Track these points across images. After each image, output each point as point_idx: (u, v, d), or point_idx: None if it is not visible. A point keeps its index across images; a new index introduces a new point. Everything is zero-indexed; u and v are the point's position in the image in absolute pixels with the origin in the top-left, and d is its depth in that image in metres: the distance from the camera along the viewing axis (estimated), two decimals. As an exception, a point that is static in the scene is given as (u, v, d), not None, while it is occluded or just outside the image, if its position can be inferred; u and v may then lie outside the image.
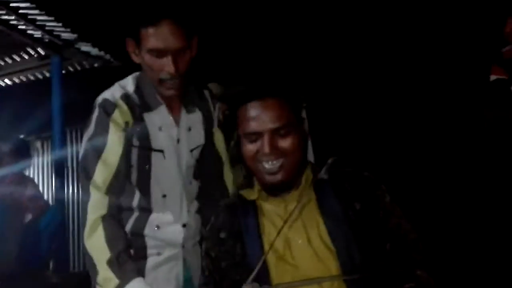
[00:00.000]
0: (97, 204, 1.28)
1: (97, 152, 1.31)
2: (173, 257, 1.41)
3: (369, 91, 3.94)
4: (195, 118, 1.49)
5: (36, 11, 3.40)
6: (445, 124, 3.69)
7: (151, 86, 1.39)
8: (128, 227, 1.38)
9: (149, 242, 1.40)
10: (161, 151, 1.40)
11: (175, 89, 1.34)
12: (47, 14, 3.45)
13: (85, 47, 4.10)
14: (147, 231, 1.39)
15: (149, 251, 1.39)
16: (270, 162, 1.07)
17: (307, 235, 1.07)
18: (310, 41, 4.10)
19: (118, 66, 4.39)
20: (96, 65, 4.39)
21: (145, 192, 1.40)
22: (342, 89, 3.98)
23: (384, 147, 3.74)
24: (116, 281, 1.19)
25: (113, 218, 1.29)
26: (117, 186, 1.32)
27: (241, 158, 1.15)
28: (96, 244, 1.24)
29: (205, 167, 1.54)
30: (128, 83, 1.42)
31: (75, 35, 3.85)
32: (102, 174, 1.29)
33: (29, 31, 3.76)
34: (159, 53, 1.26)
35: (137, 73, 1.44)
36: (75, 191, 5.95)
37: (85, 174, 1.32)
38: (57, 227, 3.35)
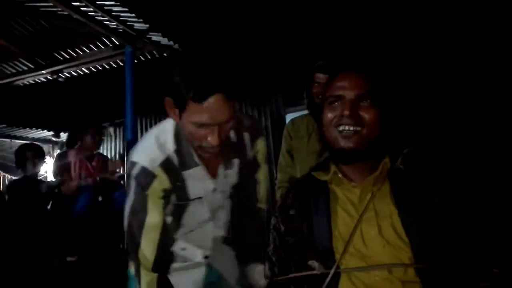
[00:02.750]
0: (148, 282, 1.39)
1: (139, 224, 1.35)
2: (196, 264, 1.48)
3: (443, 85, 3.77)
4: (233, 168, 1.50)
5: (112, 2, 3.55)
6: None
7: (189, 146, 1.36)
8: None
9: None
10: (199, 198, 1.43)
11: (215, 153, 1.32)
12: (121, 5, 3.59)
13: (155, 37, 4.24)
14: (174, 248, 1.46)
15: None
16: (347, 127, 1.09)
17: (378, 225, 1.06)
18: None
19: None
20: (165, 54, 4.52)
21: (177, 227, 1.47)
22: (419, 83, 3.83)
23: (462, 141, 3.56)
24: None
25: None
26: (161, 252, 1.37)
27: (321, 132, 1.17)
28: None
29: (239, 201, 1.57)
30: (168, 141, 1.36)
31: (147, 26, 3.98)
32: (147, 249, 1.35)
33: (104, 22, 3.94)
34: (204, 125, 1.20)
35: (176, 127, 1.38)
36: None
37: (132, 246, 1.38)
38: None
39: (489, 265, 0.99)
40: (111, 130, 6.64)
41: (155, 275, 1.41)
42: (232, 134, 1.43)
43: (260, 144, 1.55)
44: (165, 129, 1.40)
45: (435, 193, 1.05)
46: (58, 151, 7.79)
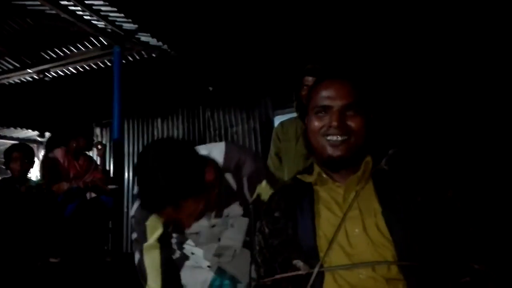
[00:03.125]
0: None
1: (141, 254, 1.50)
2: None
3: (431, 84, 3.82)
4: (234, 208, 1.57)
5: (100, 2, 3.54)
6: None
7: None
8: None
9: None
10: (196, 233, 1.57)
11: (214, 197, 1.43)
12: (110, 5, 3.58)
13: (144, 38, 4.22)
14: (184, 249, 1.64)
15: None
16: (335, 137, 1.11)
17: (363, 224, 1.07)
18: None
19: (175, 56, 4.50)
20: (154, 55, 4.51)
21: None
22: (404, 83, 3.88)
23: (445, 140, 3.61)
24: None
25: None
26: (167, 277, 1.50)
27: (306, 137, 1.20)
28: None
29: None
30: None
31: (135, 26, 3.97)
32: (152, 279, 1.49)
33: (93, 22, 3.92)
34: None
35: None
36: (131, 176, 6.21)
37: (143, 277, 1.51)
38: (114, 208, 3.50)
39: (470, 261, 1.01)
40: (98, 130, 6.58)
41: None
42: (231, 179, 1.50)
43: (261, 187, 1.56)
44: None
45: (418, 192, 1.08)
46: (43, 151, 7.70)
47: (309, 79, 2.43)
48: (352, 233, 1.08)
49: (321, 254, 1.08)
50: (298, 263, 1.10)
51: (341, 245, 1.08)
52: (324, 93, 1.15)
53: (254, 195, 1.55)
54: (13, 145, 3.53)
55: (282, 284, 1.14)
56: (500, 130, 3.54)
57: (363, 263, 1.03)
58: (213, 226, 1.57)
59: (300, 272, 1.09)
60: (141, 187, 1.24)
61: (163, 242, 1.50)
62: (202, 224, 1.53)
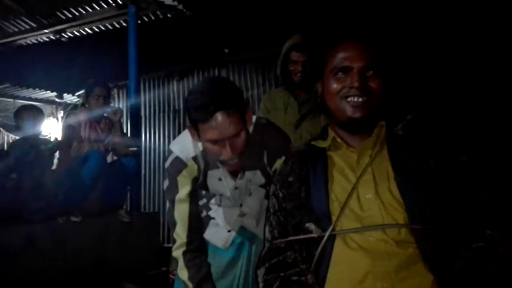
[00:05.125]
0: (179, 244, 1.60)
1: (173, 204, 1.61)
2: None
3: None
4: (256, 172, 1.65)
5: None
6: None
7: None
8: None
9: None
10: (220, 194, 1.70)
11: (234, 165, 1.49)
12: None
13: (159, -3, 4.15)
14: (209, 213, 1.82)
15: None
16: (356, 98, 1.11)
17: (376, 188, 1.08)
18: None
19: (190, 16, 4.43)
20: (169, 15, 4.44)
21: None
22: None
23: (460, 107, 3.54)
24: None
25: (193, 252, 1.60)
26: (193, 227, 1.61)
27: (323, 100, 1.19)
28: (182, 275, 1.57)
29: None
30: (199, 144, 1.53)
31: (150, -15, 3.90)
32: (181, 230, 1.60)
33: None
34: (216, 141, 1.35)
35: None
36: (148, 138, 6.28)
37: (171, 224, 1.63)
38: (133, 170, 3.54)
39: (483, 227, 1.01)
40: (115, 92, 6.61)
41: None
42: (254, 145, 1.54)
43: (280, 162, 1.58)
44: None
45: (431, 157, 1.08)
46: (62, 112, 7.80)
47: (297, 55, 2.59)
48: (365, 197, 1.09)
49: (333, 218, 1.09)
50: (311, 226, 1.11)
51: (353, 209, 1.09)
52: (343, 54, 1.13)
53: (273, 168, 1.59)
54: (22, 106, 3.62)
55: (295, 246, 1.16)
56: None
57: (373, 226, 1.04)
58: (236, 188, 1.65)
59: (312, 235, 1.11)
60: (191, 99, 1.34)
61: (192, 197, 1.61)
62: (226, 185, 1.63)
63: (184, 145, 1.58)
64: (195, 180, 1.61)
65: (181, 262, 1.57)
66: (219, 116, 1.29)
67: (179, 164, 1.57)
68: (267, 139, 1.58)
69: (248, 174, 1.63)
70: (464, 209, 1.04)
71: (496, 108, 3.50)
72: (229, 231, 1.75)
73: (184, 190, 1.59)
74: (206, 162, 1.60)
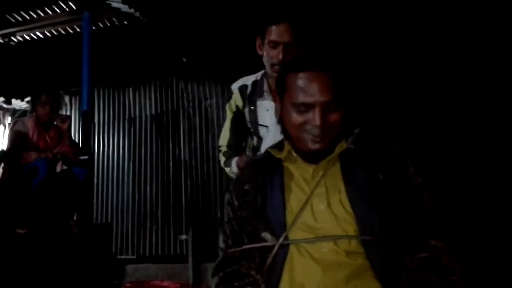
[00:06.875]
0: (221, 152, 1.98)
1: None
2: None
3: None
4: None
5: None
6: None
7: (264, 82, 1.85)
8: None
9: None
10: (266, 126, 1.84)
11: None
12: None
13: (115, 4, 4.09)
14: None
15: None
16: (317, 133, 1.09)
17: (328, 201, 1.11)
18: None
19: (147, 24, 4.38)
20: (125, 22, 4.38)
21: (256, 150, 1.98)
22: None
23: (414, 121, 3.68)
24: None
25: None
26: (231, 145, 1.96)
27: (283, 124, 1.18)
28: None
29: None
30: (253, 76, 1.91)
31: (106, -9, 3.83)
32: (222, 139, 2.00)
33: (61, -15, 3.76)
34: (276, 43, 1.69)
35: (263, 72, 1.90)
36: (101, 146, 6.11)
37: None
38: (84, 180, 3.44)
39: (427, 237, 1.06)
40: (67, 99, 6.40)
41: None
42: None
43: None
44: (258, 73, 1.94)
45: (380, 170, 1.12)
46: (10, 118, 7.46)
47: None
48: (318, 209, 1.11)
49: (288, 228, 1.11)
50: (266, 235, 1.12)
51: (307, 220, 1.11)
52: (304, 86, 1.09)
53: None
54: None
55: (249, 255, 1.17)
56: (461, 109, 3.64)
57: (325, 237, 1.07)
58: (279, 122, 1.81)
59: (267, 244, 1.11)
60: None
61: (237, 114, 1.93)
62: (273, 118, 1.71)
63: (240, 80, 1.93)
64: (237, 110, 1.92)
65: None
66: (284, 24, 1.66)
67: (230, 93, 1.95)
68: None
69: None
70: (410, 220, 1.09)
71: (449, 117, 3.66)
72: None
73: (228, 118, 1.96)
74: (256, 91, 1.84)
